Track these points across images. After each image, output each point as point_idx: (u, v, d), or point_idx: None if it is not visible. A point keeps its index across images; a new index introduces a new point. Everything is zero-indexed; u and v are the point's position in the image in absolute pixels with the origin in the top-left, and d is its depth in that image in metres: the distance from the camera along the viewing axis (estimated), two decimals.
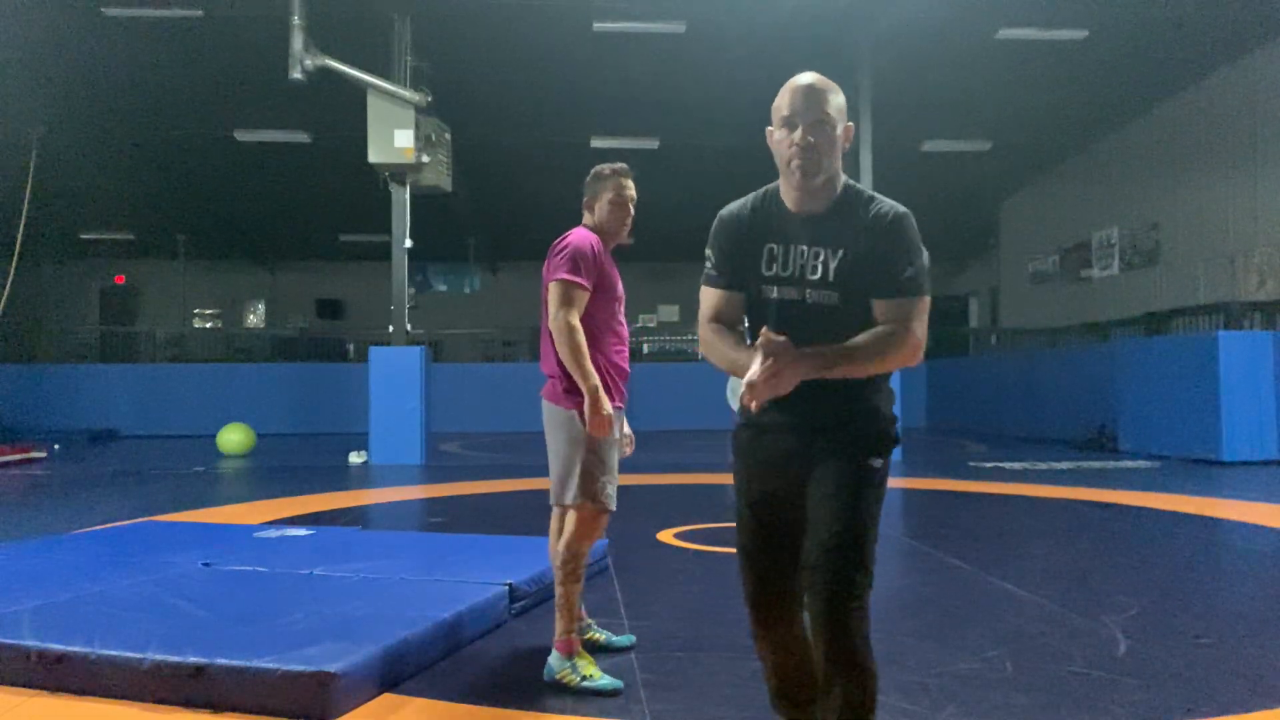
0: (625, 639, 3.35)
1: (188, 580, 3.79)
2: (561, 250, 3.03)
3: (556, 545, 3.02)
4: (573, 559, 2.96)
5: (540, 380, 3.14)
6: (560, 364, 2.99)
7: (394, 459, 10.90)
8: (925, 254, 2.00)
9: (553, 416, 3.04)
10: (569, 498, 2.97)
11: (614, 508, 3.04)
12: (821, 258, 1.96)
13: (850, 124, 2.01)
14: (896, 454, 11.27)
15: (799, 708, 2.12)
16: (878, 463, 1.96)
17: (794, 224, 2.00)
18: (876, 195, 2.02)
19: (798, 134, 1.93)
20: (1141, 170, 15.54)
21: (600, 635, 3.31)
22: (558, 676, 2.87)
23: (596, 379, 2.90)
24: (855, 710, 1.83)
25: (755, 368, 1.79)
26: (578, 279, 2.96)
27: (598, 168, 3.25)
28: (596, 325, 3.03)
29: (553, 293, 2.97)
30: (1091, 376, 13.48)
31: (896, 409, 2.08)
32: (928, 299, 1.97)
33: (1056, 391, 14.60)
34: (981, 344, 21.80)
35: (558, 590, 2.97)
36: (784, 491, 2.03)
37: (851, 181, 2.05)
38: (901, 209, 1.99)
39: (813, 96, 1.94)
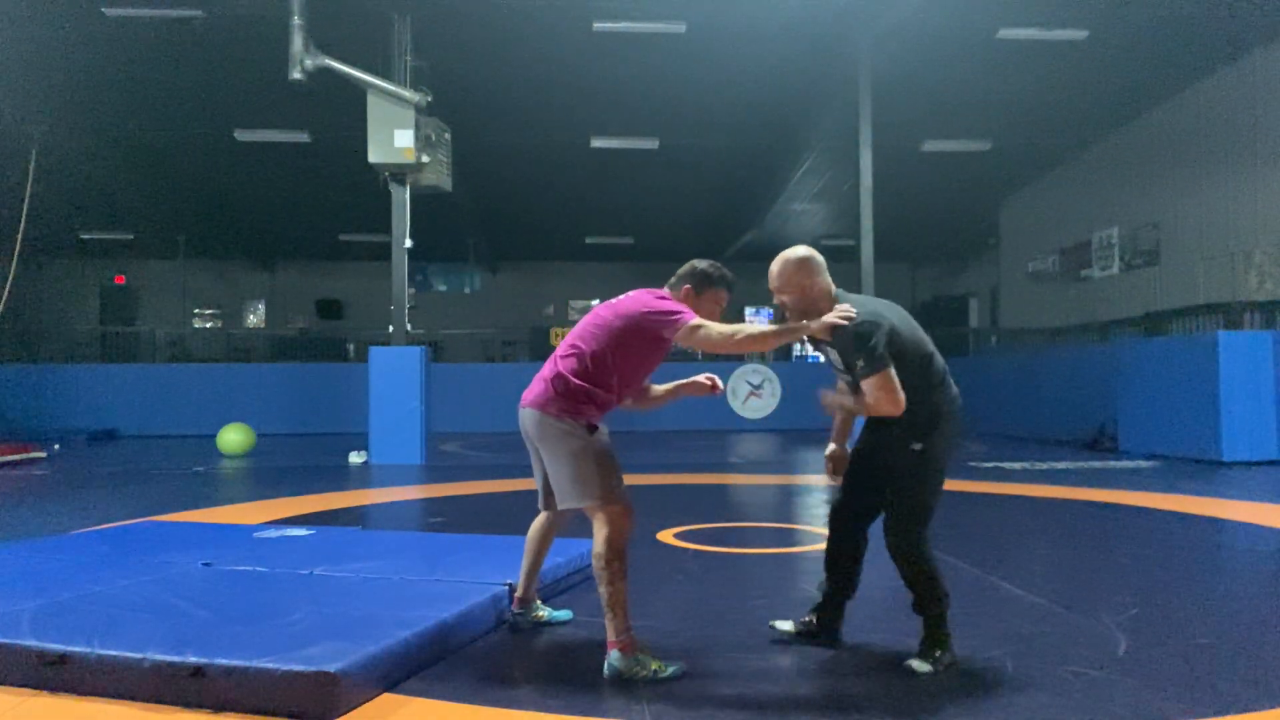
0: (564, 614, 3.60)
1: (188, 580, 3.79)
2: (669, 304, 3.08)
3: (598, 548, 2.99)
4: (616, 557, 2.97)
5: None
6: (567, 381, 3.04)
7: (394, 459, 10.90)
8: (868, 344, 2.85)
9: (546, 428, 3.08)
10: (599, 496, 3.01)
11: (629, 502, 3.09)
12: (832, 357, 3.06)
13: (806, 282, 2.99)
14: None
15: None
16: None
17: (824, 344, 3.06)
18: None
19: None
20: (1141, 170, 15.55)
21: (543, 613, 3.55)
22: (624, 675, 2.89)
23: (786, 328, 2.96)
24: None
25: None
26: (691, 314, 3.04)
27: (705, 267, 3.25)
28: (623, 370, 3.11)
29: (688, 332, 2.98)
30: (1091, 376, 13.48)
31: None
32: (876, 375, 2.84)
33: (1056, 391, 14.60)
34: (981, 344, 21.81)
35: (606, 591, 2.95)
36: None
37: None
38: (851, 327, 2.88)
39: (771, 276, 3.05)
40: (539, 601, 3.58)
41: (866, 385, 2.85)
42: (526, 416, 3.15)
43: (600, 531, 2.99)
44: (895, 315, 3.00)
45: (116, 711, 2.60)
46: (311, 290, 25.44)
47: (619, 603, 2.95)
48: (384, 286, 11.72)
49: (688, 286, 3.21)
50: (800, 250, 3.01)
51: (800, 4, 11.12)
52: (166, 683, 2.63)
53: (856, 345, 2.85)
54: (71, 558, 4.30)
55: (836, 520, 3.28)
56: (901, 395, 2.84)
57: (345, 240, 22.33)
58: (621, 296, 3.20)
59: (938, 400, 3.00)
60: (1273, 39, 12.36)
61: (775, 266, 3.01)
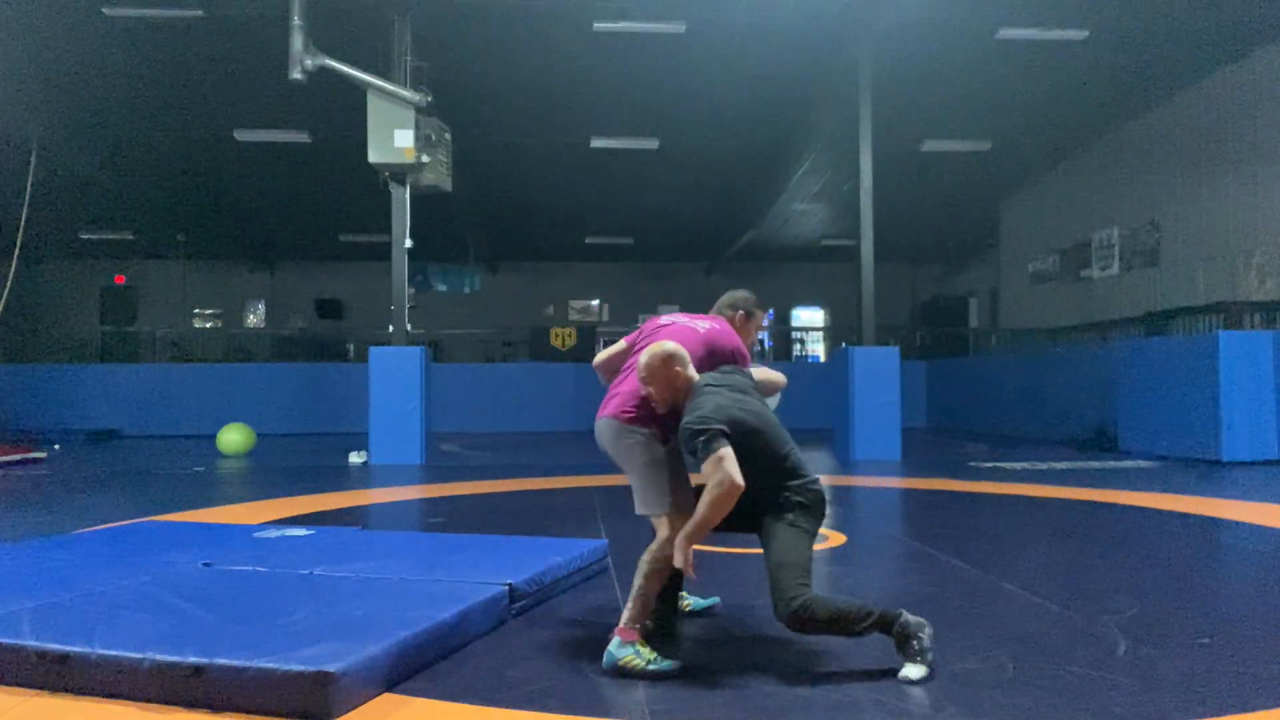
0: (711, 600, 3.80)
1: (188, 580, 3.79)
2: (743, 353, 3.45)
3: (655, 547, 3.17)
4: (667, 560, 3.11)
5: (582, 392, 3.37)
6: (638, 393, 3.27)
7: (394, 459, 10.90)
8: (702, 434, 3.01)
9: (622, 437, 3.28)
10: (665, 507, 3.21)
11: None
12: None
13: (670, 373, 3.20)
14: (896, 454, 11.36)
15: None
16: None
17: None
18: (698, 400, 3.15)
19: None
20: (1141, 170, 15.54)
21: (688, 602, 3.72)
22: (620, 663, 2.96)
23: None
24: None
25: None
26: None
27: (752, 296, 3.71)
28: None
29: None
30: (1091, 376, 13.48)
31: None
32: (710, 456, 2.99)
33: (1056, 391, 14.60)
34: (981, 344, 21.80)
35: (641, 583, 3.11)
36: None
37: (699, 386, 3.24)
38: (685, 426, 3.09)
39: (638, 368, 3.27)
40: (684, 593, 3.69)
41: (708, 465, 3.02)
42: (604, 425, 3.34)
43: (662, 536, 3.16)
44: (751, 414, 3.17)
45: (116, 711, 2.60)
46: (311, 290, 25.44)
47: (646, 597, 3.11)
48: (384, 286, 11.71)
49: (742, 312, 3.63)
50: (668, 345, 3.28)
51: (800, 3, 11.12)
52: (166, 683, 2.63)
53: (691, 438, 3.09)
54: (71, 558, 4.30)
55: None
56: (739, 475, 2.97)
57: (345, 240, 22.33)
58: (710, 329, 3.42)
59: (805, 491, 3.20)
60: (1273, 39, 12.36)
61: (643, 359, 3.30)
